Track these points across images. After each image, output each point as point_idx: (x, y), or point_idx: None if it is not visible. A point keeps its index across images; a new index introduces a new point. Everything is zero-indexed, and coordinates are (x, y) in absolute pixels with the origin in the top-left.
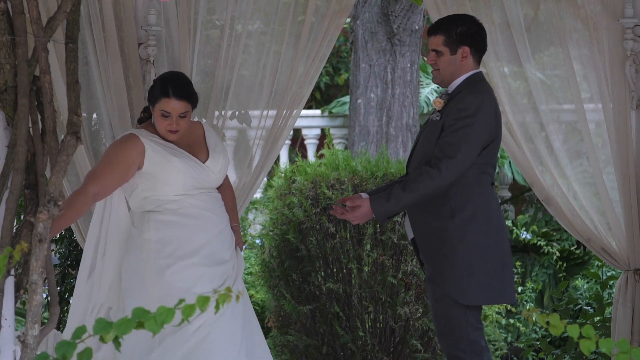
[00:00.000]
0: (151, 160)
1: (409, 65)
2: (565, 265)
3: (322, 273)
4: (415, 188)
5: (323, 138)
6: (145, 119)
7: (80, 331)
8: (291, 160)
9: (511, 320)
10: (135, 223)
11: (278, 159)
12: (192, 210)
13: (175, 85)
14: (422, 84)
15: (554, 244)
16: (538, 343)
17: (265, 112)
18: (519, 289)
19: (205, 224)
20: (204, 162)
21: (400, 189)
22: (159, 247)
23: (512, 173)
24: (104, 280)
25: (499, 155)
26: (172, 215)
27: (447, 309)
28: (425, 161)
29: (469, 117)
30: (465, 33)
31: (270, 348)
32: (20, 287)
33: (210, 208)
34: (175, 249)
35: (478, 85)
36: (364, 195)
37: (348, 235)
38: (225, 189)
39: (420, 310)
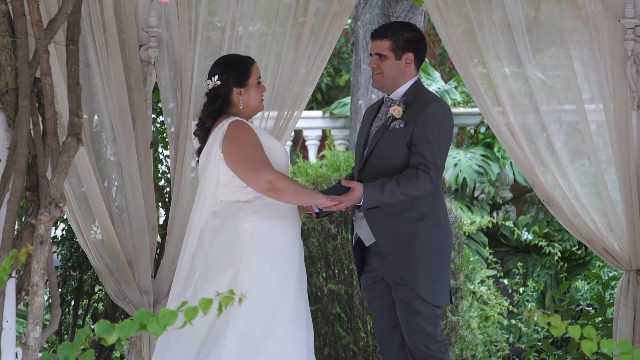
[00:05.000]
0: (262, 143)
1: None
2: (566, 265)
3: (324, 274)
4: (411, 188)
5: (324, 139)
6: (208, 129)
7: (82, 334)
8: (292, 161)
9: (513, 321)
10: (221, 214)
11: None
12: (282, 203)
13: (244, 55)
14: None
15: (556, 244)
16: (540, 344)
17: (266, 113)
18: (521, 289)
19: (293, 217)
20: None
21: (395, 184)
22: (255, 240)
23: (514, 174)
24: (182, 271)
25: (499, 156)
26: (266, 207)
27: (420, 310)
28: (393, 169)
29: (442, 124)
30: (411, 40)
31: None
32: (21, 289)
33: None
34: (270, 243)
35: (429, 91)
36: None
37: (349, 237)
38: None
39: None
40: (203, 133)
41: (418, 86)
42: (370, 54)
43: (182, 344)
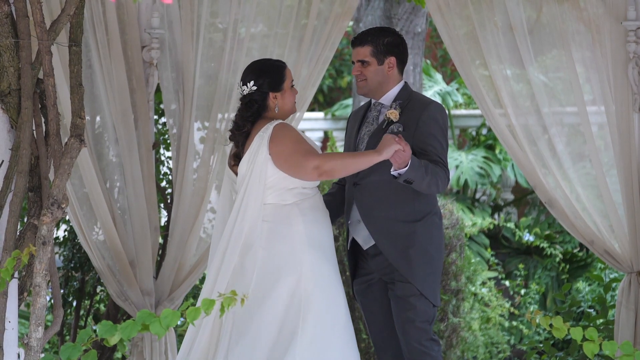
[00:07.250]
0: None
1: (411, 68)
2: (568, 267)
3: None
4: (440, 177)
5: (326, 141)
6: (246, 133)
7: (84, 334)
8: None
9: (514, 323)
10: (270, 217)
11: None
12: (321, 206)
13: (275, 59)
14: (424, 87)
15: (557, 246)
16: (541, 345)
17: None
18: (522, 291)
19: (328, 218)
20: None
21: (427, 163)
22: (309, 241)
23: (515, 175)
24: (223, 274)
25: (501, 158)
26: (310, 209)
27: (415, 305)
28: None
29: (442, 126)
30: (392, 43)
31: None
32: (23, 289)
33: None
34: (321, 242)
35: (420, 94)
36: None
37: None
38: None
39: None
40: (241, 137)
41: (408, 89)
42: (352, 62)
43: (245, 353)
